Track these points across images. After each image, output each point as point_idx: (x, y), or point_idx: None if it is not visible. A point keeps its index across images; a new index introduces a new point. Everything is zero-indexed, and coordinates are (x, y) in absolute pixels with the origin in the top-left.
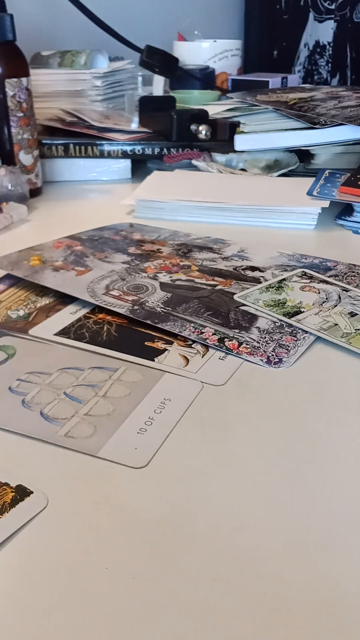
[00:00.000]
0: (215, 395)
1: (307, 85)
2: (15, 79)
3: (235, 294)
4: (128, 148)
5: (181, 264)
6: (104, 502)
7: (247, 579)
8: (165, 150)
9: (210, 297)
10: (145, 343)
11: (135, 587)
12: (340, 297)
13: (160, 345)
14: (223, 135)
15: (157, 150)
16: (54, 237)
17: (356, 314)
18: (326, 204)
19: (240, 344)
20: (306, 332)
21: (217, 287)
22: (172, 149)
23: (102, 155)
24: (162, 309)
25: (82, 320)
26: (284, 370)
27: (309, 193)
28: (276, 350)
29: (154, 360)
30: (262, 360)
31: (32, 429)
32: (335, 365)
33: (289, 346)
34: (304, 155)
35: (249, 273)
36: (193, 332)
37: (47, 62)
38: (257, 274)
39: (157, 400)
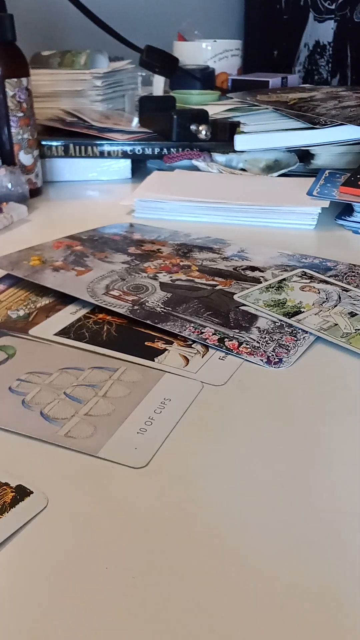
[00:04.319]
0: (215, 395)
1: (307, 85)
2: (15, 79)
3: (235, 294)
4: (128, 148)
5: (181, 264)
6: (104, 502)
7: (247, 578)
8: (165, 150)
9: (210, 297)
10: (145, 343)
11: (135, 587)
12: (340, 297)
13: (160, 345)
14: (223, 135)
15: (157, 150)
16: (54, 237)
17: (356, 314)
18: (326, 204)
19: (240, 344)
20: (306, 332)
21: (217, 287)
22: (172, 149)
23: (102, 155)
24: (162, 309)
25: (82, 320)
26: (284, 370)
27: (309, 193)
28: (276, 350)
29: (154, 360)
30: (262, 360)
31: (32, 429)
32: (335, 365)
33: (289, 346)
34: (304, 155)
35: (249, 273)
36: (193, 332)
37: (47, 62)
38: (257, 274)
39: (157, 400)
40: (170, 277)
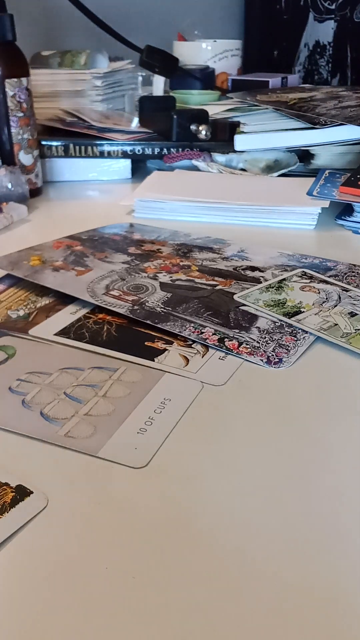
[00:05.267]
0: (215, 395)
1: (307, 85)
2: (15, 79)
3: (235, 294)
4: (128, 148)
5: (181, 264)
6: (104, 502)
7: (247, 578)
8: (165, 150)
9: (210, 297)
10: (145, 343)
11: (135, 587)
12: (340, 297)
13: (160, 345)
14: (223, 135)
15: (157, 150)
16: (54, 237)
17: (356, 314)
18: (326, 204)
19: (240, 344)
20: (306, 332)
21: (217, 287)
22: (172, 149)
23: (102, 155)
24: (162, 309)
25: (82, 320)
26: (284, 370)
27: (309, 193)
28: (276, 350)
29: (154, 360)
30: (262, 360)
31: (32, 429)
32: (335, 365)
33: (289, 346)
34: (304, 155)
35: (249, 273)
36: (193, 332)
37: (47, 62)
38: (257, 274)
39: (157, 400)
40: (170, 277)
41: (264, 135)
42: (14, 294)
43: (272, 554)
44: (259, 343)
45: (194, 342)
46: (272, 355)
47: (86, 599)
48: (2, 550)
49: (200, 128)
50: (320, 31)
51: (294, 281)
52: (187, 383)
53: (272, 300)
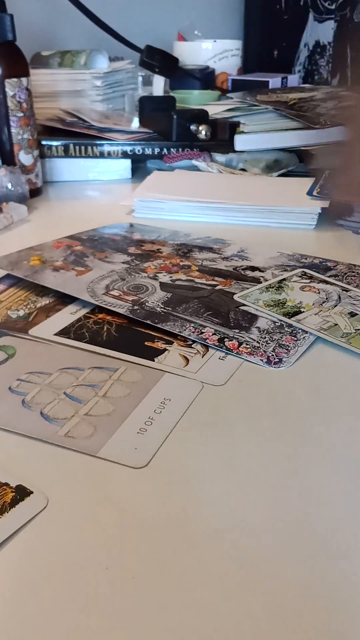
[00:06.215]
0: (215, 395)
1: (307, 85)
2: (15, 79)
3: (235, 294)
4: (128, 148)
5: (181, 264)
6: (104, 502)
7: (247, 579)
8: (165, 150)
9: (210, 297)
10: (145, 343)
11: (135, 587)
12: (340, 297)
13: (160, 345)
14: (223, 135)
15: (157, 150)
16: (54, 237)
17: (356, 314)
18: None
19: (240, 344)
20: (306, 332)
21: (217, 287)
22: (172, 149)
23: (102, 155)
24: (162, 309)
25: (82, 320)
26: (284, 370)
27: (309, 193)
28: (276, 350)
29: (154, 360)
30: (262, 360)
31: (32, 429)
32: (335, 365)
33: (289, 346)
34: (304, 155)
35: (249, 273)
36: (193, 332)
37: (47, 62)
38: (257, 274)
39: (157, 400)
40: (170, 277)
41: (264, 135)
42: (14, 294)
43: (272, 554)
44: (259, 343)
45: (194, 342)
46: (272, 355)
47: (86, 599)
48: (2, 550)
49: (200, 128)
50: (320, 31)
51: (294, 281)
52: (187, 383)
53: (272, 300)
